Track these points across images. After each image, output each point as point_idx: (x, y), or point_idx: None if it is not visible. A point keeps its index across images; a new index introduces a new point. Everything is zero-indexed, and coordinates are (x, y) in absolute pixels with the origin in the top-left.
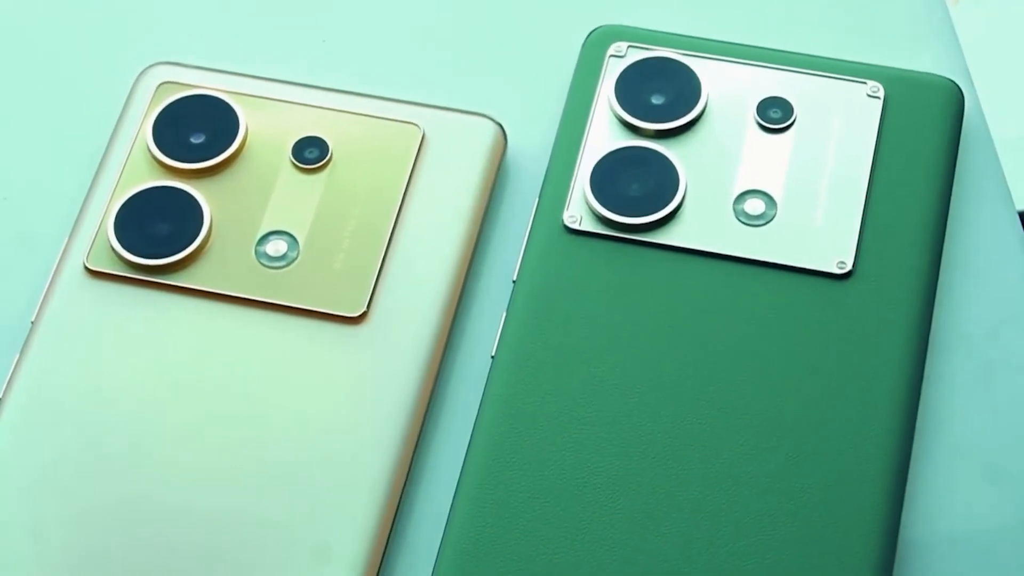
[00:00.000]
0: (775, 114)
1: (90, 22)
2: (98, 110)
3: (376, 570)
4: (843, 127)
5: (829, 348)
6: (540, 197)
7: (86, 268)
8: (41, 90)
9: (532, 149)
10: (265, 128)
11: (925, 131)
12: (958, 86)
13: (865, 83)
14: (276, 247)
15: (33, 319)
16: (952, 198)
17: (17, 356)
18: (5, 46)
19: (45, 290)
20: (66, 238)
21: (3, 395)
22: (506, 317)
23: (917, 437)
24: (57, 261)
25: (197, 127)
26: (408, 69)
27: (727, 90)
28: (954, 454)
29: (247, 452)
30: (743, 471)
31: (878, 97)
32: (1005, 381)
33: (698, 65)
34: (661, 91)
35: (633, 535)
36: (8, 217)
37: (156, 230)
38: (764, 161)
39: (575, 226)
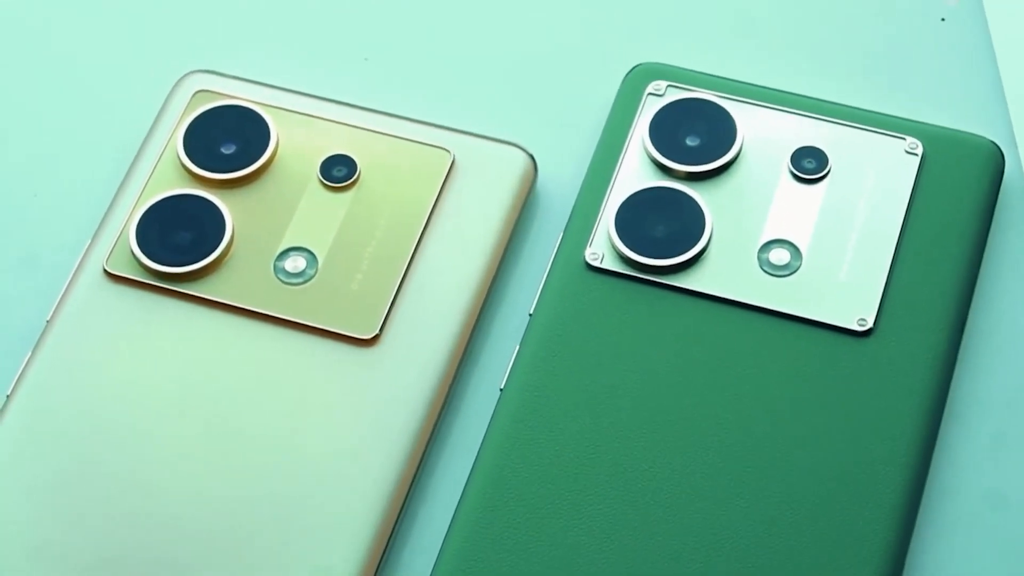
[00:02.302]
0: (809, 164)
1: (135, 27)
2: (135, 114)
3: None
4: (877, 182)
5: (843, 406)
6: (565, 231)
7: (105, 271)
8: (82, 90)
9: (564, 182)
10: (296, 143)
11: (961, 192)
12: (999, 148)
13: (904, 139)
14: (295, 263)
15: (49, 318)
16: (984, 261)
17: (29, 354)
18: (50, 45)
19: (63, 290)
20: (89, 239)
21: (12, 391)
22: (519, 350)
23: (925, 502)
24: (78, 262)
25: (228, 137)
26: (447, 93)
27: (763, 136)
28: (962, 521)
29: (247, 464)
30: (744, 523)
31: (916, 154)
32: (1019, 452)
33: (736, 109)
34: (696, 133)
35: None
36: (36, 214)
37: (177, 238)
38: (794, 211)
39: (596, 264)
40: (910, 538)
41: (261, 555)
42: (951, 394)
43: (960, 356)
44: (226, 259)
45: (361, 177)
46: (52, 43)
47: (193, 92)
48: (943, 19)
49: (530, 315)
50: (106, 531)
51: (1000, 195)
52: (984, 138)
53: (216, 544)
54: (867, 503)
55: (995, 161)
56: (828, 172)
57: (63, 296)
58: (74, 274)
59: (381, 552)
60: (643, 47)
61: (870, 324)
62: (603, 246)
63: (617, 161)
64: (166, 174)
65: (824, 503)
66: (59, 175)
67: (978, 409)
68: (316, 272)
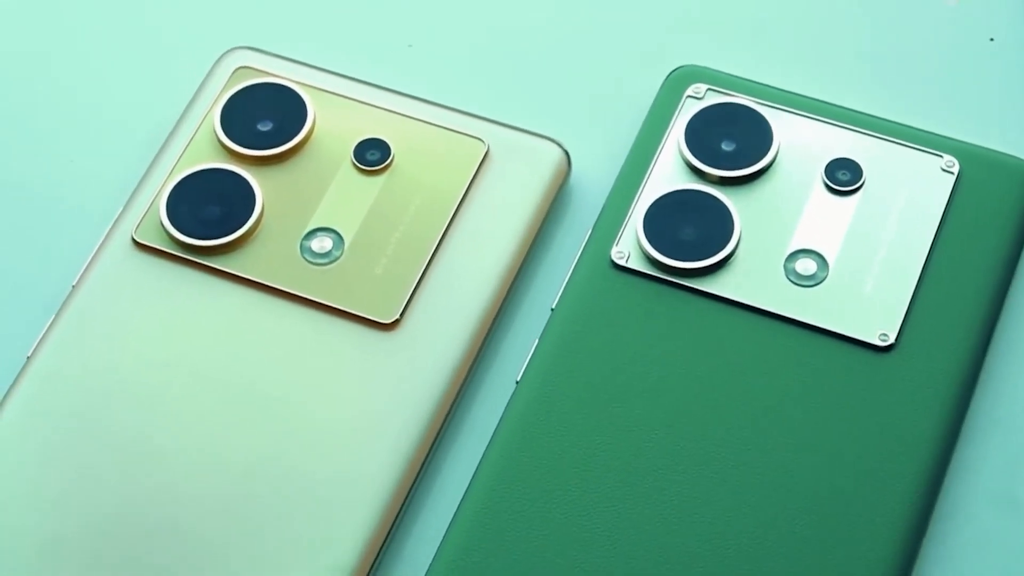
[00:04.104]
0: (843, 176)
1: (185, 1)
2: (177, 87)
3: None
4: (911, 198)
5: (859, 419)
6: (593, 229)
7: (134, 240)
8: (127, 61)
9: (598, 178)
10: (332, 124)
11: (995, 213)
12: None
13: (941, 156)
14: (321, 244)
15: (75, 283)
16: (1014, 284)
17: (53, 317)
18: (100, 14)
19: (91, 256)
20: (120, 208)
21: (33, 352)
22: (537, 344)
23: (935, 523)
24: (107, 230)
25: (265, 115)
26: (487, 84)
27: (799, 145)
28: (973, 542)
29: (258, 438)
30: (751, 531)
31: (952, 172)
32: None
33: (773, 116)
34: (732, 138)
35: None
36: (71, 180)
37: (207, 211)
38: (824, 222)
39: (622, 262)
40: (916, 556)
41: (265, 528)
42: (970, 415)
43: (982, 377)
44: (253, 235)
45: (394, 162)
46: (103, 12)
47: (234, 68)
48: (992, 39)
49: (552, 310)
50: (114, 492)
51: None
52: (1023, 160)
53: (221, 513)
54: (875, 518)
55: None
56: (862, 185)
57: (90, 262)
58: (103, 241)
59: (384, 537)
60: (687, 49)
61: (892, 339)
62: (630, 245)
63: (651, 161)
64: (201, 148)
65: (832, 516)
66: (97, 143)
67: (997, 431)
68: (342, 254)
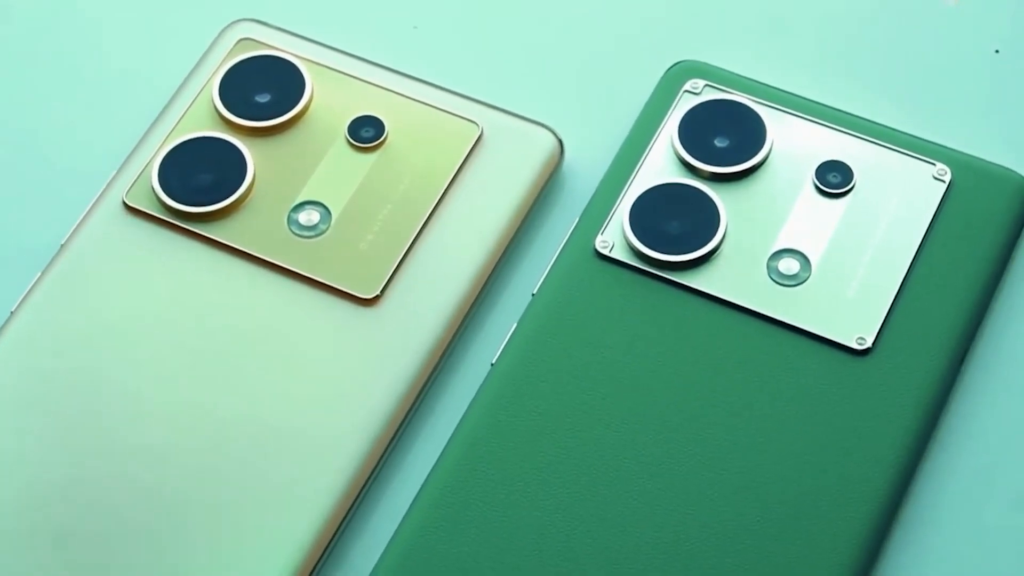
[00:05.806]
0: (834, 178)
1: None
2: (181, 57)
3: (321, 553)
4: (900, 204)
5: (829, 421)
6: (580, 217)
7: (124, 204)
8: (135, 28)
9: (591, 168)
10: (328, 100)
11: (984, 224)
12: None
13: (933, 164)
14: (309, 216)
15: (63, 242)
16: (998, 295)
17: (39, 274)
18: None
19: (81, 217)
20: (114, 172)
21: (17, 308)
22: (515, 329)
23: (899, 529)
24: (100, 192)
25: (263, 87)
26: (489, 69)
27: (792, 145)
28: (935, 552)
29: (230, 406)
30: (712, 523)
31: (943, 180)
32: (999, 492)
33: (768, 115)
34: (725, 134)
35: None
36: (70, 143)
37: (198, 179)
38: (811, 223)
39: (605, 252)
40: (877, 560)
41: (234, 489)
42: (943, 424)
43: (958, 387)
44: (242, 205)
45: (387, 140)
46: None
47: (237, 40)
48: (997, 51)
49: (533, 295)
50: (90, 449)
51: None
52: (1016, 173)
53: (196, 472)
54: (838, 521)
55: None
56: (852, 188)
57: (80, 223)
58: (94, 203)
59: (348, 508)
60: (690, 45)
61: (869, 344)
62: (615, 235)
63: (643, 154)
64: (198, 116)
65: (795, 515)
66: (98, 108)
67: (969, 442)
68: (328, 228)
